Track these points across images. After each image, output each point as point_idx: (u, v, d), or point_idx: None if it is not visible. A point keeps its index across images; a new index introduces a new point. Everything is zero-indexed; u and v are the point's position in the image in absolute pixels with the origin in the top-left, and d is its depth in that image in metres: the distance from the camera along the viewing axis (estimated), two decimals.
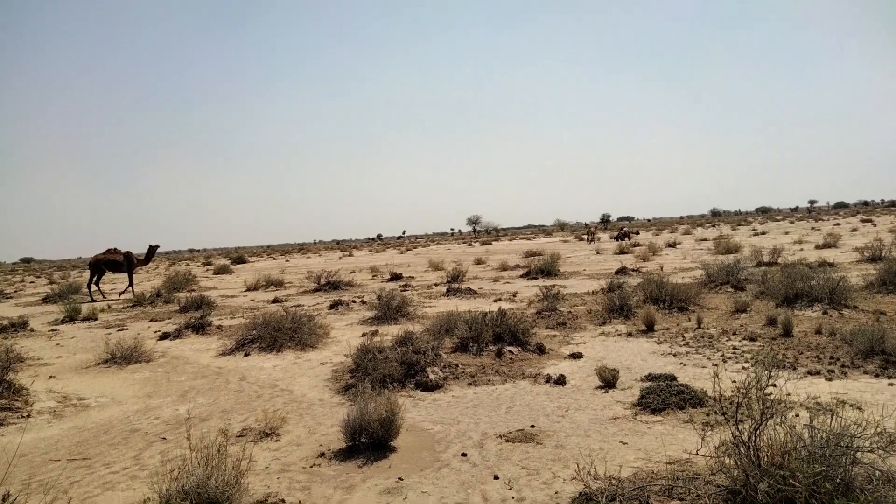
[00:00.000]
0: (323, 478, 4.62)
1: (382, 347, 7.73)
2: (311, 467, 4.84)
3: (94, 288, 22.36)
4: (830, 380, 6.36)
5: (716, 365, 7.20)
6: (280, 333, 9.88)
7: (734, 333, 8.85)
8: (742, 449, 3.58)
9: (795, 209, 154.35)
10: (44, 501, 4.09)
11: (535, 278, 19.73)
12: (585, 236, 53.46)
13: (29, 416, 6.64)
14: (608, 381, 6.65)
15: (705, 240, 38.76)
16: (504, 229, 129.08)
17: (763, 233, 44.75)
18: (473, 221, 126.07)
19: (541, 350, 8.41)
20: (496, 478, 4.42)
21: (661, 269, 19.33)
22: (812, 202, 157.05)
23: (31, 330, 13.85)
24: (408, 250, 58.70)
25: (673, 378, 6.49)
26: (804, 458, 3.35)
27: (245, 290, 22.39)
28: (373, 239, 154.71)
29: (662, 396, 5.78)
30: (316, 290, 19.95)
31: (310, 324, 10.35)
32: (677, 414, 5.53)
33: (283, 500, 4.23)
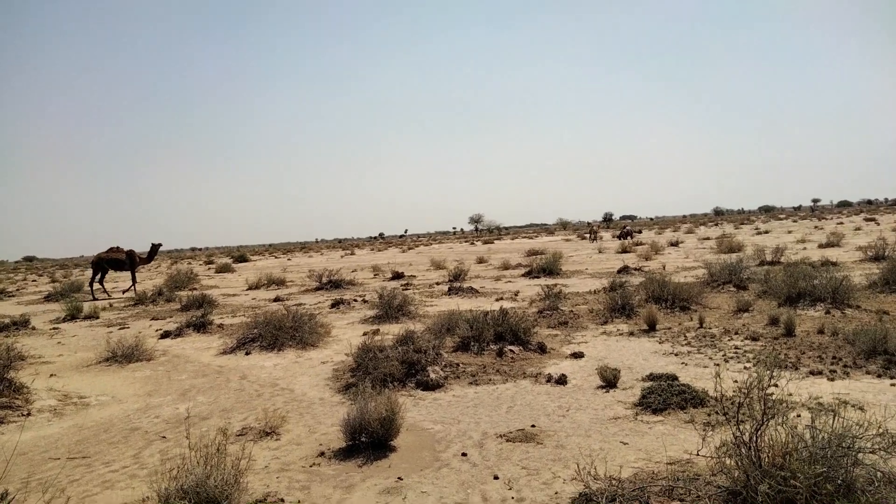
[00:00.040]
0: (322, 477, 4.61)
1: (383, 346, 7.71)
2: (310, 466, 4.83)
3: (96, 286, 22.39)
4: (832, 380, 6.33)
5: (717, 365, 7.17)
6: (281, 332, 9.88)
7: (736, 333, 8.82)
8: (743, 450, 3.56)
9: (799, 208, 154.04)
10: (42, 500, 4.08)
11: (537, 277, 19.71)
12: (588, 235, 53.41)
13: (29, 414, 6.64)
14: (609, 380, 6.63)
15: (708, 239, 38.69)
16: (506, 228, 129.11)
17: (766, 232, 44.67)
18: (475, 220, 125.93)
19: (542, 349, 8.39)
20: (496, 478, 4.40)
21: (664, 268, 19.29)
22: (815, 201, 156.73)
23: (33, 328, 13.86)
24: (410, 249, 58.71)
25: (674, 378, 6.47)
26: (805, 459, 3.33)
27: (247, 289, 22.40)
28: (375, 238, 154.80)
29: (664, 396, 5.76)
30: (317, 289, 19.95)
31: (311, 322, 10.34)
32: (678, 414, 5.51)
33: (282, 500, 4.22)
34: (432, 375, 7.03)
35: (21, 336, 12.73)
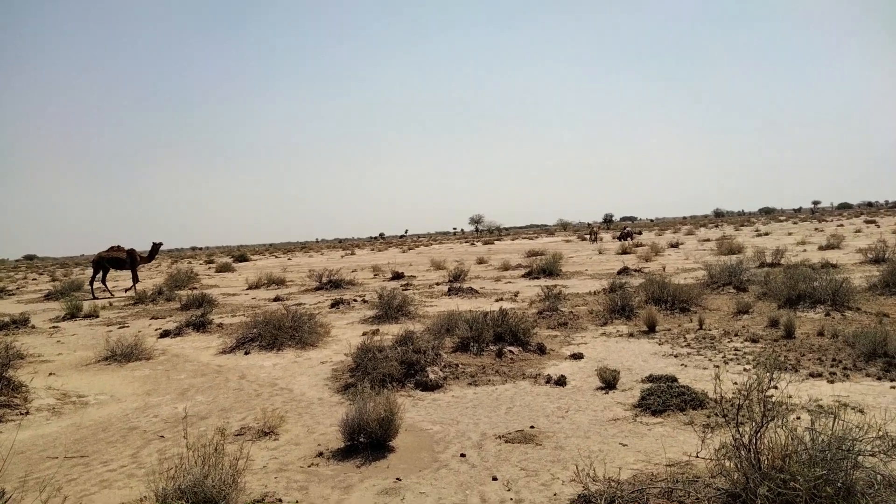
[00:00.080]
0: (321, 477, 4.60)
1: (382, 346, 7.70)
2: (309, 467, 4.82)
3: (97, 285, 22.40)
4: (832, 382, 6.32)
5: (717, 366, 7.16)
6: (280, 332, 9.87)
7: (736, 335, 8.80)
8: (742, 452, 3.55)
9: (799, 210, 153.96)
10: (39, 499, 4.06)
11: (537, 278, 19.70)
12: (588, 236, 53.41)
13: (27, 413, 6.63)
14: (609, 381, 6.62)
15: (708, 240, 38.68)
16: (506, 229, 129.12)
17: (766, 233, 44.66)
18: (476, 221, 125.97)
19: (541, 350, 8.38)
20: (495, 479, 4.39)
21: (664, 269, 19.28)
22: (815, 203, 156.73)
23: (33, 327, 13.86)
24: (410, 249, 58.71)
25: (674, 379, 6.45)
26: (805, 462, 3.32)
27: (247, 289, 22.39)
28: (375, 238, 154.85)
29: (663, 398, 5.75)
30: (317, 289, 19.94)
31: (310, 322, 10.33)
32: (678, 416, 5.50)
33: (280, 500, 4.21)
34: (431, 376, 7.02)
35: (21, 335, 12.72)
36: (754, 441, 3.53)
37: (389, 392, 5.71)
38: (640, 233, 53.54)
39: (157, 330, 12.47)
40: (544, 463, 4.64)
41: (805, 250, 24.86)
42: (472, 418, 5.83)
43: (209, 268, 41.80)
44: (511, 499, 4.07)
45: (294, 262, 46.09)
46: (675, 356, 7.88)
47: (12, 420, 6.40)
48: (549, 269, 20.33)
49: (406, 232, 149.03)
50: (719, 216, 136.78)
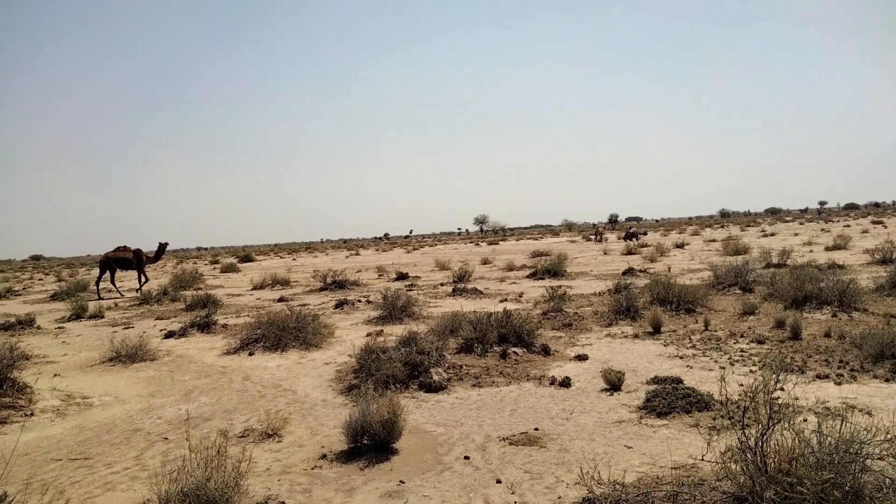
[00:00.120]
0: (324, 480, 4.58)
1: (386, 348, 7.69)
2: (312, 469, 4.81)
3: (104, 285, 22.49)
4: (839, 384, 6.27)
5: (723, 368, 7.11)
6: (284, 333, 9.86)
7: (742, 336, 8.75)
8: (748, 455, 3.52)
9: (805, 210, 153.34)
10: (42, 502, 4.06)
11: (542, 279, 19.66)
12: (593, 237, 53.31)
13: (32, 414, 6.64)
14: (613, 383, 6.59)
15: (714, 241, 38.54)
16: (511, 229, 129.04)
17: (772, 234, 44.48)
18: (480, 221, 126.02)
19: (546, 351, 8.35)
20: (499, 482, 4.37)
21: (669, 270, 19.21)
22: (822, 203, 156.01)
23: (38, 327, 13.89)
24: (414, 250, 58.72)
25: (679, 381, 6.41)
26: (812, 465, 3.29)
27: (251, 289, 22.43)
28: (380, 238, 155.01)
29: (668, 400, 5.71)
30: (322, 289, 19.95)
31: (314, 323, 10.33)
32: (683, 418, 5.46)
33: (283, 503, 4.20)
34: (435, 377, 7.00)
35: (26, 335, 12.76)
36: (760, 444, 3.50)
37: (393, 394, 5.71)
38: (645, 233, 53.44)
39: (161, 331, 12.49)
40: (549, 465, 4.61)
41: (811, 251, 24.74)
42: (476, 420, 5.81)
43: (214, 268, 41.91)
44: (515, 502, 4.04)
45: (299, 262, 46.16)
46: (681, 357, 7.84)
47: (17, 421, 6.41)
48: (554, 270, 20.28)
49: (410, 232, 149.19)
50: (725, 216, 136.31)
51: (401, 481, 4.46)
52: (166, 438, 5.78)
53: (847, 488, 3.18)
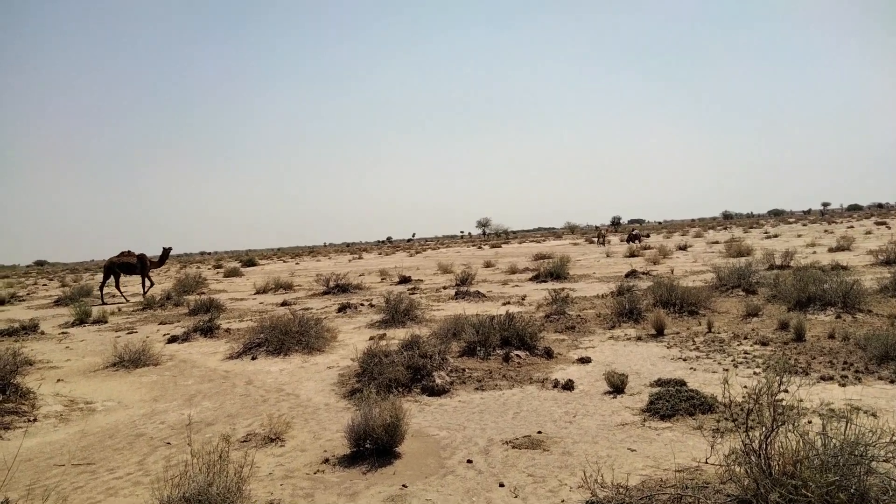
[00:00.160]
0: (326, 484, 4.57)
1: (389, 351, 7.67)
2: (314, 473, 4.79)
3: (107, 290, 22.54)
4: (844, 385, 6.24)
5: (726, 370, 7.09)
6: (287, 337, 9.86)
7: (745, 338, 8.72)
8: (752, 457, 3.50)
9: (808, 211, 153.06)
10: None
11: (545, 281, 19.63)
12: (596, 239, 53.27)
13: (35, 419, 6.64)
14: (617, 386, 6.56)
15: (717, 242, 38.47)
16: (514, 232, 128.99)
17: (775, 235, 44.39)
18: (483, 224, 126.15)
19: (549, 354, 8.33)
20: (502, 485, 4.35)
21: (672, 272, 19.17)
22: (825, 204, 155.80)
23: (42, 333, 13.92)
24: (417, 253, 58.73)
25: (683, 383, 6.39)
26: (817, 468, 3.26)
27: (254, 293, 22.44)
28: (383, 242, 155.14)
29: (672, 402, 5.69)
30: (325, 293, 19.96)
31: (317, 327, 10.32)
32: (687, 420, 5.44)
33: None
34: (438, 381, 6.99)
35: (30, 341, 12.78)
36: (765, 446, 3.48)
37: (395, 397, 5.69)
38: (647, 235, 53.28)
39: (165, 335, 12.50)
40: (552, 469, 4.59)
41: (815, 252, 24.68)
42: (479, 423, 5.79)
43: (217, 272, 41.95)
44: None
45: (302, 266, 46.20)
46: (684, 360, 7.81)
47: (20, 427, 6.41)
48: (557, 273, 20.25)
49: (413, 236, 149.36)
50: (728, 218, 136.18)
51: (403, 485, 4.45)
52: (169, 443, 5.77)
53: (852, 491, 3.16)
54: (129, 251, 22.85)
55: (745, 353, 7.88)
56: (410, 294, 17.06)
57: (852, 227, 51.15)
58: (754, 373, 6.88)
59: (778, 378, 3.67)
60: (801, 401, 5.48)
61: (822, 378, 6.49)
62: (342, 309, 15.03)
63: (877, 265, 17.47)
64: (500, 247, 61.39)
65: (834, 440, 3.38)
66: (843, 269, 15.85)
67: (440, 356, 7.52)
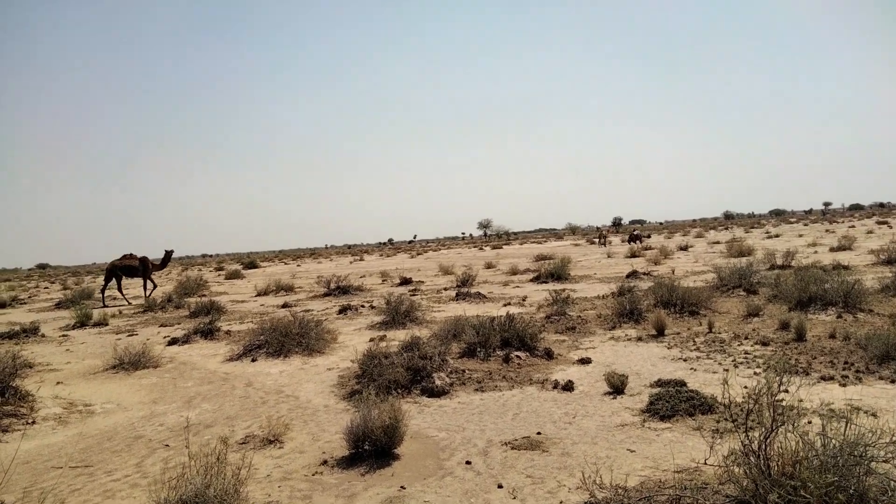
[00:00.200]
0: (324, 486, 4.55)
1: (389, 353, 7.66)
2: (313, 475, 4.78)
3: (109, 293, 22.56)
4: (844, 385, 6.21)
5: (727, 370, 7.07)
6: (287, 339, 9.85)
7: (746, 338, 8.70)
8: (752, 458, 3.48)
9: (810, 211, 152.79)
10: None
11: (546, 282, 19.60)
12: (597, 240, 53.25)
13: (34, 422, 6.63)
14: (617, 386, 6.54)
15: (718, 243, 38.43)
16: (515, 233, 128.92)
17: (777, 235, 44.35)
18: (484, 225, 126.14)
19: (549, 355, 8.31)
20: (500, 486, 4.33)
21: (673, 272, 19.15)
22: (826, 204, 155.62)
23: (42, 335, 13.92)
24: (418, 255, 58.73)
25: (683, 384, 6.37)
26: (816, 468, 3.24)
27: (255, 295, 22.44)
28: (384, 243, 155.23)
29: (671, 403, 5.67)
30: (326, 295, 19.96)
31: (317, 329, 10.31)
32: (687, 421, 5.42)
33: None
34: (437, 382, 6.97)
35: (30, 343, 12.79)
36: (764, 447, 3.46)
37: (395, 399, 5.68)
38: (648, 236, 53.25)
39: (165, 338, 12.50)
40: (551, 470, 4.58)
41: (816, 252, 24.64)
42: (479, 425, 5.77)
43: (219, 275, 41.95)
44: None
45: (303, 268, 46.22)
46: (685, 360, 7.79)
47: (18, 430, 6.40)
48: (558, 274, 20.23)
49: (415, 237, 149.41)
50: (729, 218, 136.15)
51: (402, 487, 4.43)
52: (167, 445, 5.76)
53: (851, 491, 3.14)
54: (131, 254, 22.89)
55: (746, 353, 7.86)
56: (411, 295, 17.04)
57: (854, 226, 51.10)
58: (755, 373, 6.86)
59: (778, 378, 3.65)
60: (802, 401, 5.46)
61: (823, 378, 6.47)
62: (343, 310, 15.02)
63: (878, 264, 17.44)
64: (502, 248, 61.38)
65: (833, 441, 3.36)
66: (845, 269, 15.81)
67: (440, 357, 7.51)
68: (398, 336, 10.04)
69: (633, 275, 18.84)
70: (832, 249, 25.03)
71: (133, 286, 30.56)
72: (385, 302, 12.92)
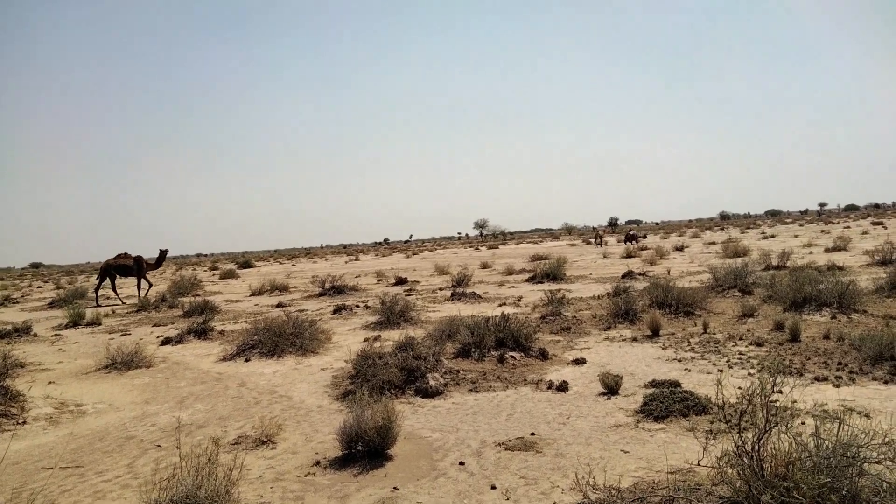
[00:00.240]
0: (317, 487, 4.53)
1: (383, 353, 7.64)
2: (305, 476, 4.75)
3: (102, 293, 22.47)
4: (838, 386, 6.22)
5: (721, 371, 7.06)
6: (281, 339, 9.81)
7: (741, 338, 8.70)
8: (745, 459, 3.47)
9: (805, 212, 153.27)
10: None
11: (541, 283, 19.59)
12: (593, 240, 53.28)
13: (24, 422, 6.58)
14: (611, 387, 6.53)
15: (713, 243, 38.50)
16: (511, 233, 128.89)
17: (772, 236, 44.45)
18: (480, 225, 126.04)
19: (544, 356, 8.30)
20: (493, 488, 4.31)
21: (668, 272, 19.16)
22: (822, 205, 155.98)
23: (35, 335, 13.83)
24: (414, 254, 58.68)
25: (677, 384, 6.36)
26: (809, 469, 3.24)
27: (250, 295, 22.37)
28: (379, 243, 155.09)
29: (666, 403, 5.66)
30: (320, 295, 19.91)
31: (311, 329, 10.27)
32: (680, 422, 5.41)
33: None
34: (432, 382, 6.95)
35: (22, 343, 12.71)
36: (757, 448, 3.45)
37: (388, 399, 5.66)
38: (644, 236, 53.41)
39: (158, 337, 12.44)
40: (544, 471, 4.56)
41: (811, 252, 24.70)
42: (472, 425, 5.75)
43: (213, 274, 41.83)
44: None
45: (298, 267, 46.13)
46: (679, 361, 7.79)
47: (8, 430, 6.35)
48: (553, 274, 20.22)
49: (410, 237, 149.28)
50: (725, 219, 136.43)
51: (394, 488, 4.41)
52: (159, 446, 5.72)
53: (844, 492, 3.14)
54: (125, 253, 22.80)
55: (740, 353, 7.86)
56: (406, 295, 17.01)
57: (849, 227, 51.27)
58: (749, 374, 6.86)
59: (772, 379, 3.64)
60: (795, 402, 5.47)
61: (817, 379, 6.47)
62: (337, 310, 14.97)
63: (873, 265, 17.48)
64: (497, 248, 61.37)
65: (826, 442, 3.36)
66: (840, 270, 15.85)
67: (434, 358, 7.49)
68: (393, 336, 10.00)
69: (628, 275, 18.85)
70: (827, 250, 25.10)
71: (127, 286, 30.46)
72: (380, 302, 12.89)
